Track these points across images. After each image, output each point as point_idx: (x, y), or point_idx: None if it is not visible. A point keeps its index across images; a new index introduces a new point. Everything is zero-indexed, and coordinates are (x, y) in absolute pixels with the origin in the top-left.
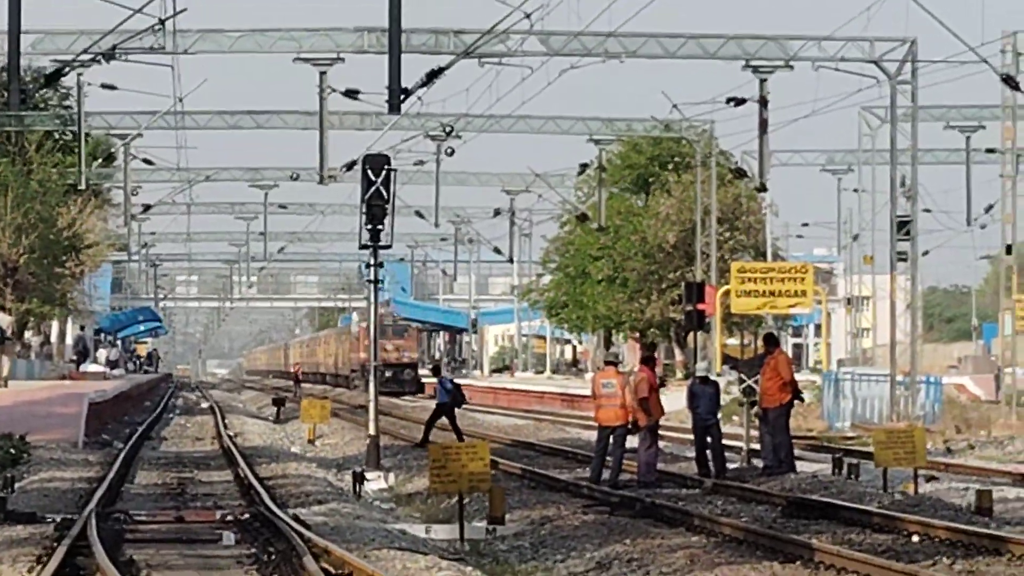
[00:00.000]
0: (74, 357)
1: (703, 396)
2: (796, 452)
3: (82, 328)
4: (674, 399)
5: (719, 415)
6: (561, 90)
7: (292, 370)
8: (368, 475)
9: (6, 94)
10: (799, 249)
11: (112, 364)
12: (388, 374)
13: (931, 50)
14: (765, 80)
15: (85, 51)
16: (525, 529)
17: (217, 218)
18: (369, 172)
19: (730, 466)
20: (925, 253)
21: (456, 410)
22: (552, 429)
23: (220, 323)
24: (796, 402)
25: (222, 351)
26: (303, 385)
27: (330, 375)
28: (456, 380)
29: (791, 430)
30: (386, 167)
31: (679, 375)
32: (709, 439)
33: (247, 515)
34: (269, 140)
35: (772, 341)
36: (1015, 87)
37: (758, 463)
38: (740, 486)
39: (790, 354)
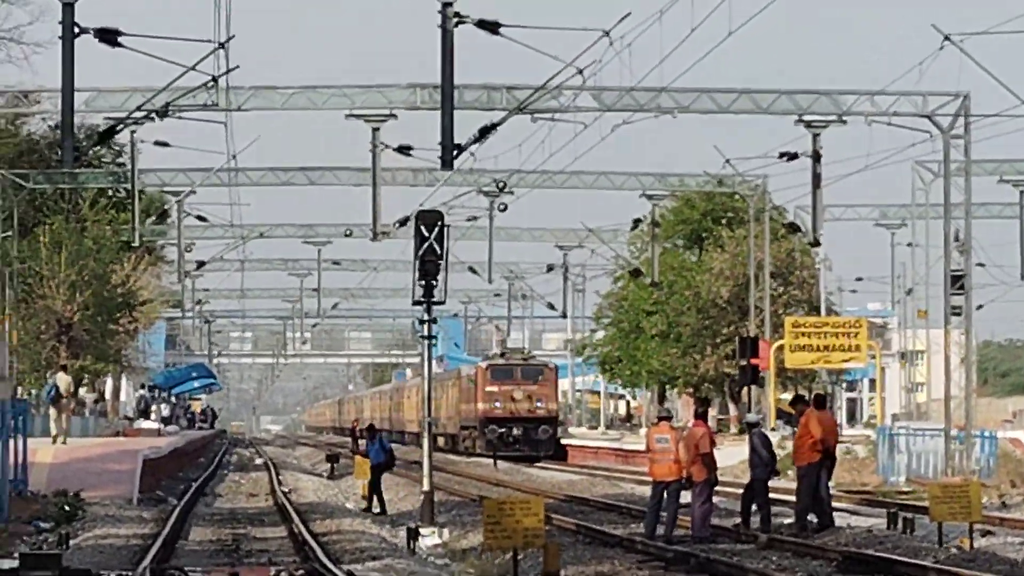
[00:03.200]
0: (130, 414)
1: (753, 448)
2: (851, 507)
3: (143, 386)
4: (727, 454)
5: (771, 468)
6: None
7: (351, 425)
8: (422, 531)
9: (60, 152)
10: (853, 304)
11: (166, 420)
12: (516, 432)
13: (984, 104)
14: (818, 135)
15: (138, 108)
16: None
17: (271, 274)
18: (422, 228)
19: (785, 520)
20: (979, 307)
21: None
22: (606, 484)
23: (274, 379)
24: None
25: (276, 407)
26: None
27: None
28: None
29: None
30: (439, 223)
31: (733, 430)
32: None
33: (301, 571)
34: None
35: (801, 400)
36: None
37: (812, 518)
38: (795, 541)
39: (844, 409)
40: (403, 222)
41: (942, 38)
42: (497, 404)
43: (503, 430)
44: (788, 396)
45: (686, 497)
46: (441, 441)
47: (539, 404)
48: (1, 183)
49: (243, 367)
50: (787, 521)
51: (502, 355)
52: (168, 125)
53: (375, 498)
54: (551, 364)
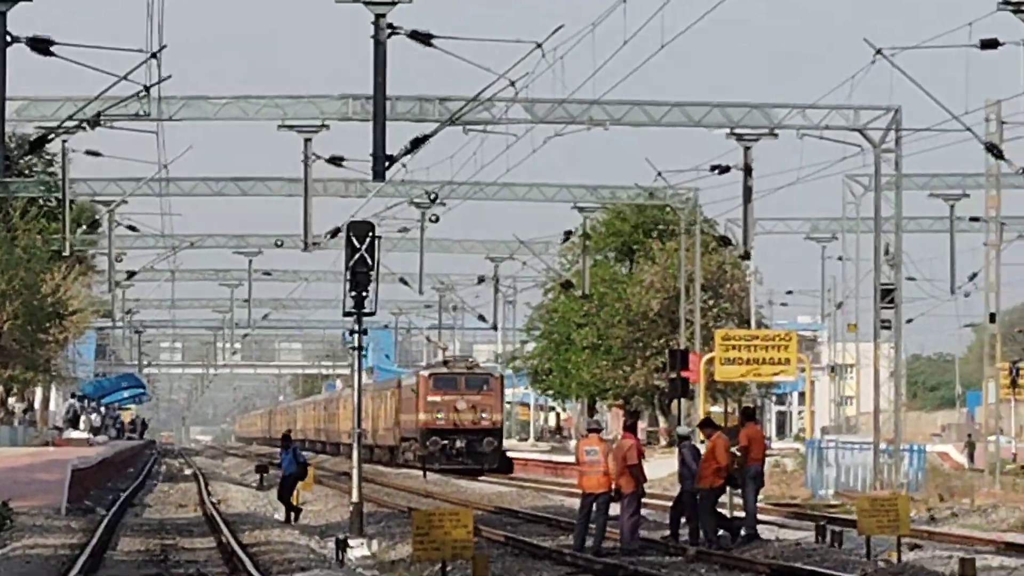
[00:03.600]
0: (59, 424)
1: (683, 461)
2: (779, 520)
3: (73, 396)
4: (657, 466)
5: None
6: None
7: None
8: (351, 542)
9: None
10: (783, 317)
11: (95, 430)
12: (460, 444)
13: (915, 118)
14: (749, 148)
15: (70, 118)
16: None
17: (201, 285)
18: (353, 239)
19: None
20: (909, 321)
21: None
22: (535, 496)
23: (204, 390)
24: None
25: (205, 418)
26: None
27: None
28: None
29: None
30: (370, 234)
31: (663, 443)
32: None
33: None
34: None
35: (748, 415)
36: (999, 156)
37: (744, 529)
38: (723, 554)
39: (773, 422)
40: (334, 233)
41: (873, 52)
42: (439, 415)
43: (445, 442)
44: (718, 409)
45: (615, 509)
46: (379, 453)
47: (483, 415)
48: None
49: (173, 377)
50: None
51: (445, 363)
52: (100, 135)
53: (286, 508)
54: (496, 373)
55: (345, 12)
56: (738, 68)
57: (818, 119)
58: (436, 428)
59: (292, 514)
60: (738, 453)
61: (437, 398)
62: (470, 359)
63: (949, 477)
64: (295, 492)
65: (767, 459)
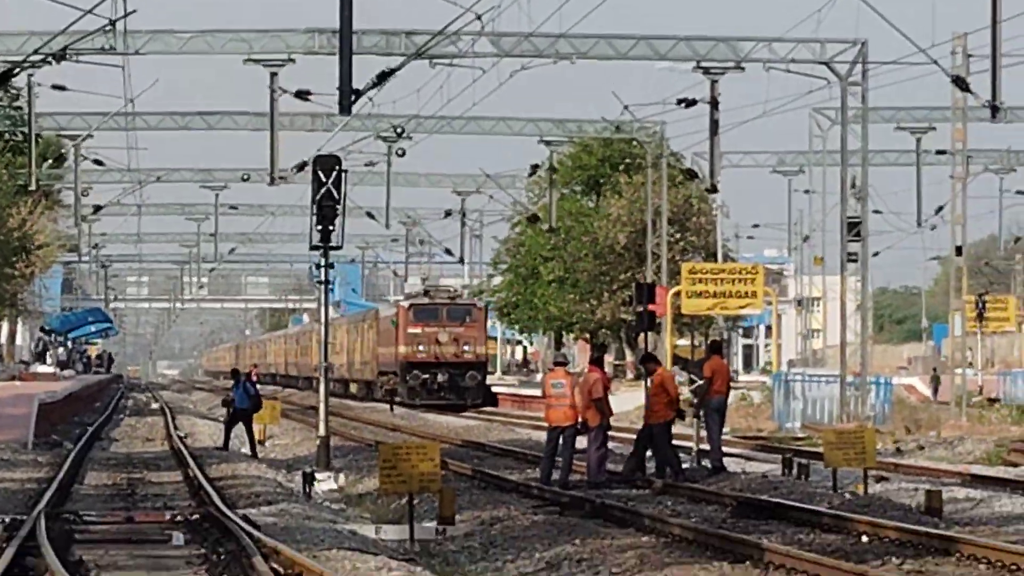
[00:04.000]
0: (26, 359)
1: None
2: (746, 452)
3: (42, 329)
4: (623, 399)
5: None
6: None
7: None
8: (318, 476)
9: None
10: (749, 250)
11: (62, 365)
12: (442, 378)
13: (882, 52)
14: (716, 81)
15: (35, 52)
16: (475, 529)
17: (168, 219)
18: (320, 173)
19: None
20: (875, 254)
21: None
22: (502, 430)
23: (170, 324)
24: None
25: (172, 352)
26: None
27: (335, 381)
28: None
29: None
30: (337, 168)
31: (630, 376)
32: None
33: (197, 516)
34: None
35: (714, 348)
36: (965, 89)
37: (707, 463)
38: (690, 487)
39: (740, 355)
40: (301, 167)
41: None
42: (420, 348)
43: (427, 376)
44: (685, 342)
45: (582, 443)
46: (354, 388)
47: (466, 348)
48: None
49: (140, 312)
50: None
51: (426, 293)
52: (65, 69)
53: (225, 436)
54: (480, 303)
55: None
56: (705, 1)
57: (784, 52)
58: (417, 362)
59: (254, 449)
60: (699, 381)
61: (418, 330)
62: (452, 289)
63: (915, 410)
64: (262, 428)
65: (734, 391)
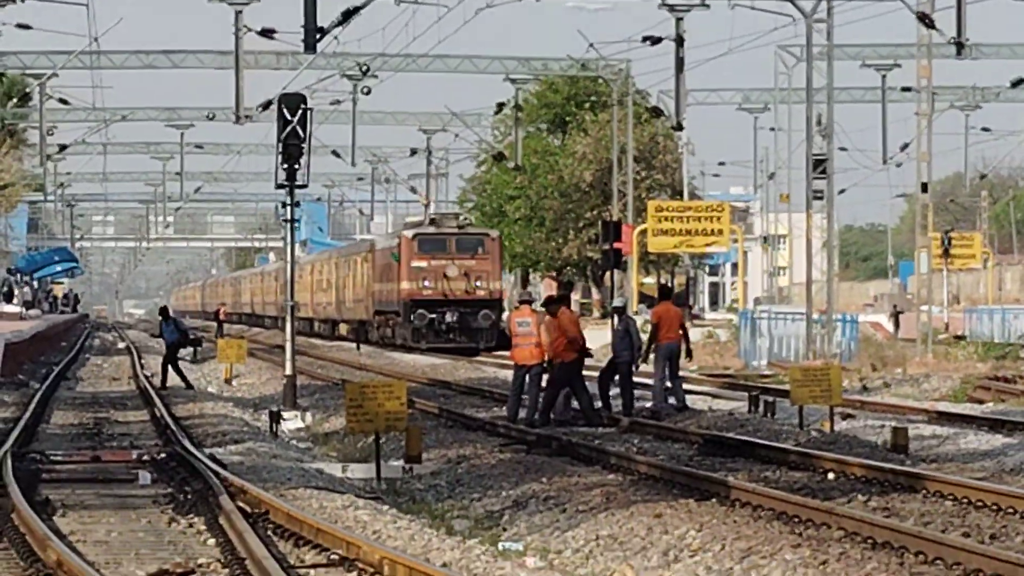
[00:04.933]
0: None
1: (615, 333)
2: (712, 390)
3: (8, 270)
4: (590, 338)
5: (630, 351)
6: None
7: (215, 310)
8: (285, 415)
9: None
10: (716, 188)
11: (28, 304)
12: (451, 318)
13: None
14: (681, 19)
15: None
16: (442, 468)
17: (133, 158)
18: (285, 112)
19: (647, 404)
20: (841, 191)
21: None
22: (469, 368)
23: (137, 263)
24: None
25: (139, 291)
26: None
27: (321, 321)
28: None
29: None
30: (302, 107)
31: (596, 314)
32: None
33: (163, 455)
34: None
35: (663, 293)
36: (930, 25)
37: (673, 401)
38: (656, 424)
39: (707, 293)
40: (266, 105)
41: None
42: (426, 284)
43: (434, 316)
44: (651, 280)
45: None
46: (344, 329)
47: (479, 284)
48: None
49: (105, 251)
50: (648, 404)
51: (432, 222)
52: (30, 7)
53: (178, 375)
54: (493, 233)
55: None
56: None
57: None
58: (422, 299)
59: (184, 381)
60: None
61: (423, 263)
62: (462, 216)
63: (881, 347)
64: (228, 367)
65: (701, 329)
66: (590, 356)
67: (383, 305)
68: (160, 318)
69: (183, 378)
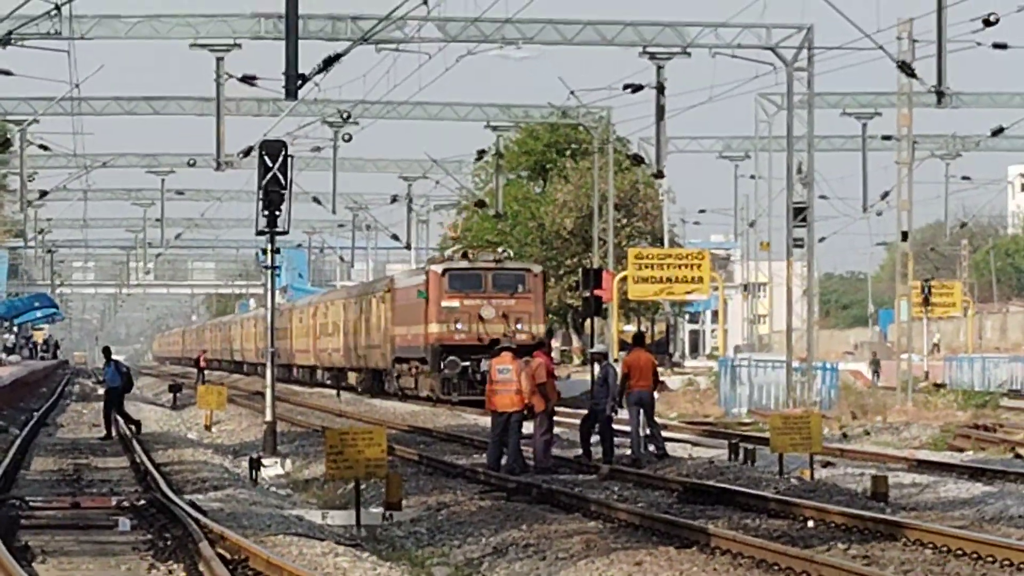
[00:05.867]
0: None
1: (595, 380)
2: (693, 438)
3: None
4: (571, 385)
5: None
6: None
7: (196, 356)
8: (265, 461)
9: None
10: (696, 236)
11: (8, 350)
12: (486, 366)
13: (828, 37)
14: (662, 67)
15: None
16: (422, 515)
17: (114, 204)
18: (266, 158)
19: (627, 452)
20: (822, 239)
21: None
22: (449, 415)
23: (117, 309)
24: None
25: (119, 338)
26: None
27: (326, 369)
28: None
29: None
30: (283, 153)
31: (576, 361)
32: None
33: (143, 501)
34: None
35: (635, 340)
36: (911, 74)
37: (653, 448)
38: (637, 472)
39: (687, 340)
40: (247, 152)
41: None
42: (459, 326)
43: (467, 364)
44: (632, 328)
45: (529, 428)
46: (354, 378)
47: (520, 327)
48: None
49: (86, 297)
50: (627, 452)
51: (464, 255)
52: (11, 53)
53: (119, 421)
54: (535, 269)
55: None
56: None
57: (731, 38)
58: (454, 344)
59: (117, 428)
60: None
61: (455, 303)
62: (500, 249)
63: (861, 395)
64: (208, 414)
65: (681, 377)
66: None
67: (405, 351)
68: (104, 359)
69: (127, 422)
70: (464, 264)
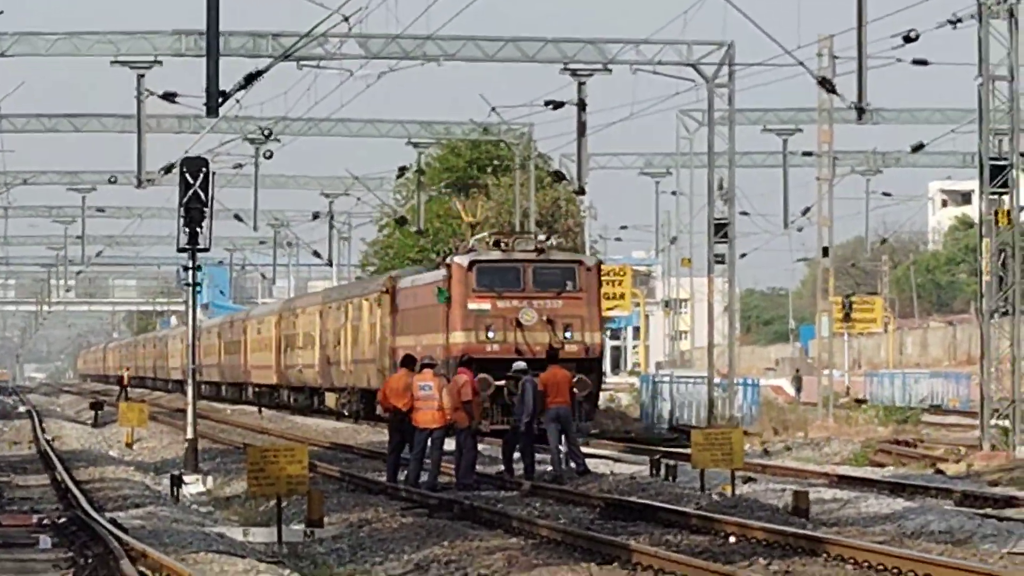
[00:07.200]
0: None
1: (515, 397)
2: (614, 454)
3: None
4: None
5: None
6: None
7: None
8: (186, 478)
9: None
10: (618, 252)
11: None
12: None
13: (748, 54)
14: (583, 83)
15: None
16: (343, 532)
17: (34, 221)
18: (187, 175)
19: (548, 468)
20: (743, 255)
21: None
22: (371, 432)
23: (38, 327)
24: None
25: (40, 355)
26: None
27: (293, 390)
28: None
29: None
30: (204, 170)
31: None
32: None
33: (64, 519)
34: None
35: (550, 357)
36: (831, 90)
37: (573, 465)
38: (558, 488)
39: (608, 356)
40: (168, 169)
41: None
42: (491, 334)
43: (502, 383)
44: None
45: (450, 445)
46: (332, 400)
47: (569, 335)
48: None
49: (6, 315)
50: (549, 469)
51: (497, 244)
52: None
53: None
54: (588, 261)
55: None
56: (572, 3)
57: (652, 54)
58: (485, 357)
59: None
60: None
61: (485, 304)
62: (538, 236)
63: (783, 411)
64: (130, 431)
65: (602, 393)
66: (481, 433)
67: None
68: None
69: None
70: (497, 255)
